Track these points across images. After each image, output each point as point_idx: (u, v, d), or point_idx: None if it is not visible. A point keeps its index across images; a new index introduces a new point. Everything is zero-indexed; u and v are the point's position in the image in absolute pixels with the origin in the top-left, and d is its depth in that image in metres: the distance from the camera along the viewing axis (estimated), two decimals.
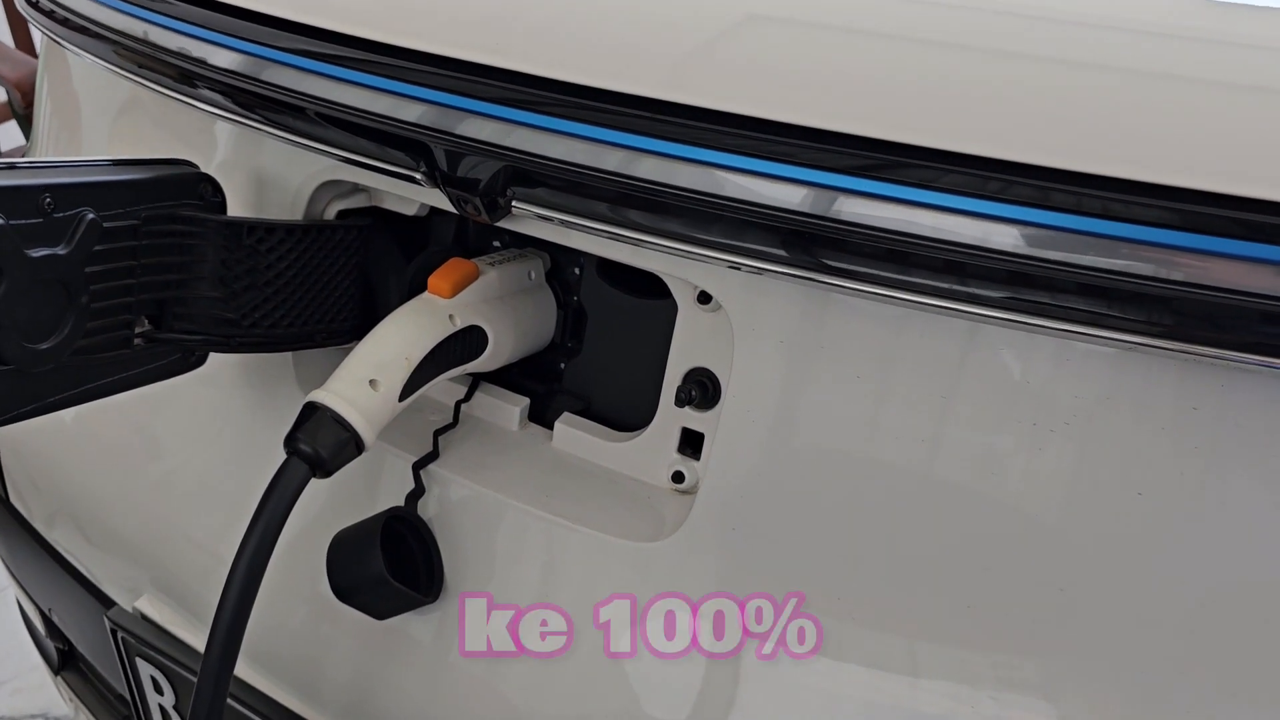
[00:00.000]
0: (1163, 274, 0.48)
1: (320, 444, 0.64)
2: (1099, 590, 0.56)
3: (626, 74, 0.59)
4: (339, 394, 0.65)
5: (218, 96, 0.74)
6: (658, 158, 0.57)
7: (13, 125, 2.62)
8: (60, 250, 0.59)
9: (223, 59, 0.72)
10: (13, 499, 1.09)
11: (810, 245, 0.55)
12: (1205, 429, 0.52)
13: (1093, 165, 0.49)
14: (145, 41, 0.77)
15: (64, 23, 0.88)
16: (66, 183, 0.60)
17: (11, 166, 0.59)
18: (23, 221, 0.57)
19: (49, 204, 0.59)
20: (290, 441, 0.64)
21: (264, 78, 0.69)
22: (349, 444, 0.65)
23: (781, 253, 0.56)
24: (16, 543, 1.06)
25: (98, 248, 0.62)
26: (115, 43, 0.81)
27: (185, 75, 0.76)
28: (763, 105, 0.55)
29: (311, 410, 0.65)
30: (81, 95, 1.00)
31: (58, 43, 0.93)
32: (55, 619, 1.08)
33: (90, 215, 0.61)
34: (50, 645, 1.16)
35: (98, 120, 0.98)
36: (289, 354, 0.82)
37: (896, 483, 0.60)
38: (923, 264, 0.53)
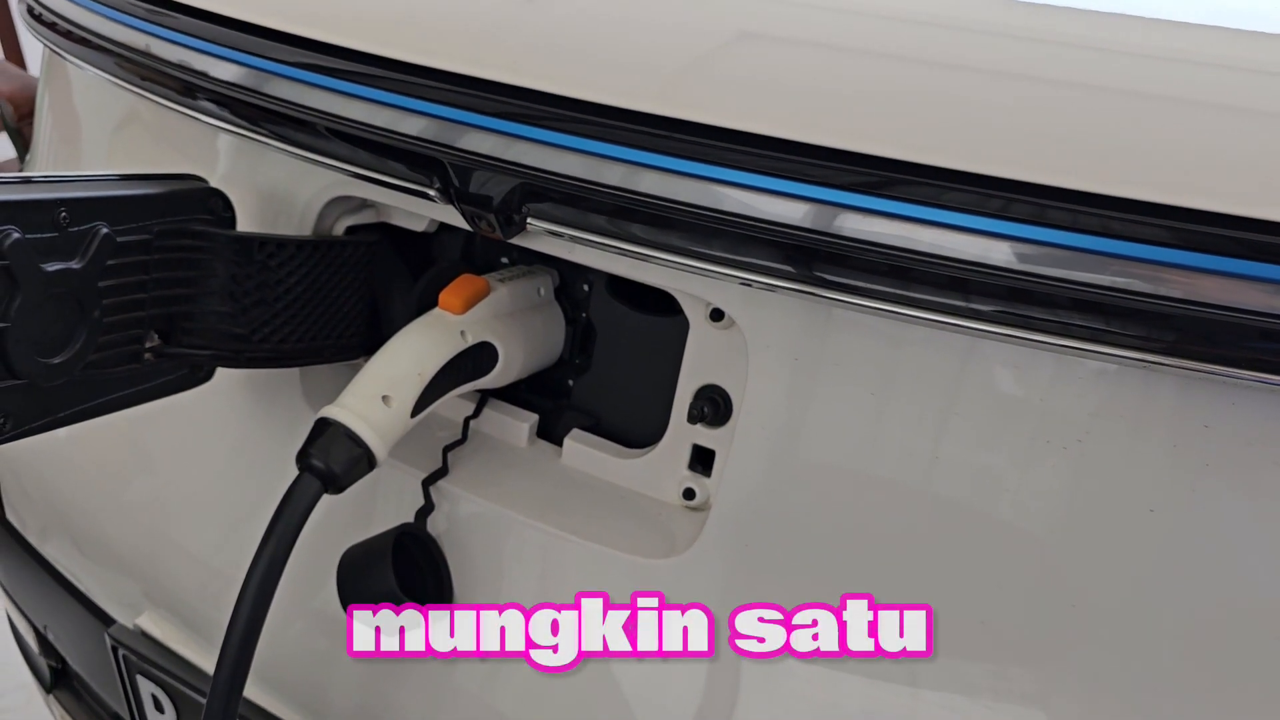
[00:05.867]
0: (1167, 291, 0.48)
1: (333, 460, 0.63)
2: (1110, 607, 0.56)
3: (640, 91, 0.59)
4: (352, 409, 0.65)
5: (227, 112, 0.74)
6: (673, 175, 0.57)
7: (2, 137, 2.60)
8: (74, 264, 0.59)
9: (233, 73, 0.72)
10: (8, 514, 1.08)
11: (822, 262, 0.56)
12: (1217, 446, 0.53)
13: (1092, 184, 0.49)
14: (151, 55, 0.77)
15: (66, 35, 0.88)
16: (81, 197, 0.60)
17: (27, 180, 0.58)
18: (38, 235, 0.57)
19: (64, 218, 0.58)
20: (303, 457, 0.64)
21: (278, 94, 0.69)
22: (361, 460, 0.64)
23: (793, 269, 0.56)
24: (12, 559, 1.05)
25: (111, 262, 0.62)
26: (118, 55, 0.81)
27: (189, 89, 0.76)
28: (770, 123, 0.56)
29: (324, 426, 0.65)
30: (83, 108, 1.00)
31: (59, 55, 0.93)
32: (50, 636, 1.06)
33: (105, 229, 0.61)
34: (43, 663, 1.14)
35: (99, 134, 0.98)
36: (296, 369, 0.81)
37: (909, 499, 0.60)
38: (933, 280, 0.53)
